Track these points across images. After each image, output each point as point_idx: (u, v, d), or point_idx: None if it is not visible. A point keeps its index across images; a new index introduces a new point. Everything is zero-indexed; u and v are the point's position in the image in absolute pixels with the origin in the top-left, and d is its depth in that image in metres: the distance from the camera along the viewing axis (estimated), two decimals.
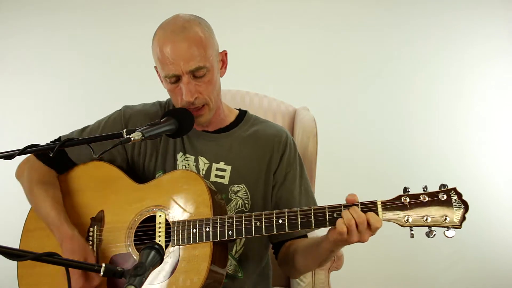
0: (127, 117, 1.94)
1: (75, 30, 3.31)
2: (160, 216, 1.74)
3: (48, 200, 1.84)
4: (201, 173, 1.87)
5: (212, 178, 1.87)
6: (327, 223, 1.59)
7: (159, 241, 1.72)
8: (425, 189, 1.56)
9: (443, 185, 1.55)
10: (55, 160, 1.88)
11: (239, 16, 3.32)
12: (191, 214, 1.71)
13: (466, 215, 1.52)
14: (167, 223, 1.74)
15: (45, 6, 3.33)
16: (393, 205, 1.55)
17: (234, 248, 1.87)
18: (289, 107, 2.51)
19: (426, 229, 1.53)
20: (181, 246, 1.70)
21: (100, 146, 1.62)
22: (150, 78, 1.94)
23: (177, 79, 1.77)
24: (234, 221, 1.66)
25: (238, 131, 1.93)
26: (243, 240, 1.87)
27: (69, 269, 1.46)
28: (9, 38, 3.33)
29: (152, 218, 1.76)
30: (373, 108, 3.26)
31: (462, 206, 1.52)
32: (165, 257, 1.63)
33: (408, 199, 1.55)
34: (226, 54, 1.88)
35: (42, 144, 1.60)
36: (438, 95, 3.25)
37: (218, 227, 1.67)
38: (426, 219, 1.52)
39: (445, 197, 1.53)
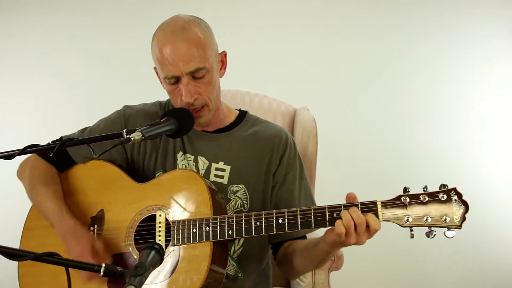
0: (126, 117, 1.94)
1: (75, 30, 3.32)
2: (160, 215, 1.74)
3: (49, 196, 1.84)
4: (200, 172, 1.87)
5: (211, 178, 1.87)
6: (327, 223, 1.59)
7: (159, 240, 1.72)
8: (425, 189, 1.56)
9: (443, 185, 1.55)
10: (56, 158, 1.88)
11: (239, 16, 3.32)
12: (191, 214, 1.71)
13: (466, 215, 1.52)
14: (167, 222, 1.74)
15: (45, 6, 3.33)
16: (393, 205, 1.55)
17: (232, 248, 1.87)
18: (289, 107, 2.51)
19: (426, 229, 1.53)
20: (181, 246, 1.70)
21: (100, 146, 1.62)
22: (150, 78, 1.94)
23: (176, 80, 1.77)
24: (234, 221, 1.66)
25: (238, 131, 1.93)
26: (242, 240, 1.87)
27: (81, 248, 1.50)
28: (9, 38, 3.33)
29: (152, 218, 1.76)
30: (373, 108, 3.26)
31: (462, 206, 1.52)
32: (165, 256, 1.63)
33: (408, 199, 1.54)
34: (225, 54, 1.88)
35: (42, 144, 1.60)
36: (438, 95, 3.25)
37: (218, 227, 1.67)
38: (426, 219, 1.52)
39: (445, 197, 1.53)
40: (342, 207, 1.58)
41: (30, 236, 1.88)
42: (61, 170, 1.93)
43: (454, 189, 1.54)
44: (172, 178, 1.80)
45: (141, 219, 1.77)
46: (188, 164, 1.88)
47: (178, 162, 1.89)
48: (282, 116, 2.47)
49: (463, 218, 1.52)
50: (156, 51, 1.78)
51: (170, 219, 1.73)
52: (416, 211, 1.53)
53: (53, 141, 1.86)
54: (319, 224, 1.60)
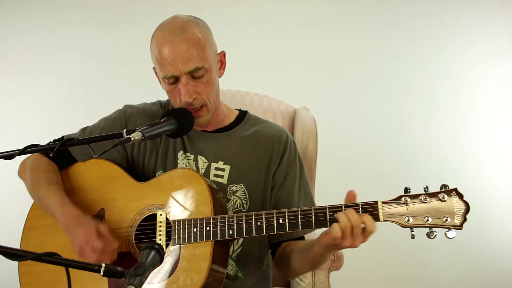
0: (127, 116, 1.94)
1: (75, 30, 3.32)
2: (160, 214, 1.74)
3: (51, 189, 1.84)
4: (200, 172, 1.87)
5: (211, 178, 1.87)
6: (328, 223, 1.59)
7: (160, 240, 1.72)
8: (426, 189, 1.55)
9: (444, 186, 1.54)
10: (56, 156, 1.88)
11: (239, 16, 3.32)
12: (192, 213, 1.71)
13: (467, 216, 1.52)
14: (167, 221, 1.74)
15: (45, 6, 3.33)
16: (393, 205, 1.55)
17: (231, 248, 1.87)
18: (289, 107, 2.51)
19: (427, 229, 1.53)
20: (181, 245, 1.70)
21: (101, 146, 1.62)
22: (150, 78, 1.94)
23: (175, 80, 1.77)
24: (235, 221, 1.66)
25: (238, 131, 1.93)
26: (241, 240, 1.87)
27: (85, 231, 1.55)
28: (9, 38, 3.33)
29: (153, 217, 1.76)
30: (373, 108, 3.26)
31: (463, 206, 1.52)
32: (165, 256, 1.63)
33: (409, 200, 1.54)
34: (224, 54, 1.88)
35: (42, 144, 1.60)
36: (438, 95, 3.25)
37: (218, 227, 1.67)
38: (427, 220, 1.52)
39: (446, 197, 1.52)
40: (343, 207, 1.58)
41: (30, 235, 1.88)
42: (62, 167, 1.93)
43: (455, 189, 1.54)
44: (172, 177, 1.80)
45: (141, 218, 1.77)
46: (188, 163, 1.88)
47: (178, 161, 1.89)
48: (282, 116, 2.47)
49: (464, 219, 1.51)
50: (155, 51, 1.78)
51: (171, 218, 1.73)
52: (417, 211, 1.53)
53: (54, 140, 1.87)
54: (320, 224, 1.60)
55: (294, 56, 3.27)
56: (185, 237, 1.69)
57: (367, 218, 1.53)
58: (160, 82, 1.85)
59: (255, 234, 1.65)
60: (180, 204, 1.74)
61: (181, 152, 1.89)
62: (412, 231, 1.54)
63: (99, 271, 1.25)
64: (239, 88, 2.55)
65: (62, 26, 3.33)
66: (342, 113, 3.24)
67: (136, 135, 1.57)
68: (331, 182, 2.77)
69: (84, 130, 1.96)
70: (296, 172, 1.91)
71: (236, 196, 1.86)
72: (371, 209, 1.55)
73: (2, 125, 3.31)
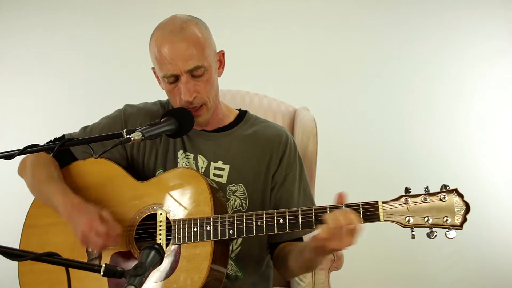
0: (127, 115, 1.94)
1: (75, 30, 3.32)
2: (161, 214, 1.75)
3: (52, 181, 1.84)
4: (200, 171, 1.87)
5: (211, 177, 1.87)
6: None
7: (160, 239, 1.72)
8: (426, 189, 1.56)
9: (445, 186, 1.54)
10: (57, 155, 1.88)
11: (239, 16, 3.32)
12: (192, 212, 1.71)
13: (467, 216, 1.52)
14: (168, 221, 1.74)
15: (45, 6, 3.33)
16: (394, 205, 1.55)
17: (230, 248, 1.86)
18: (289, 107, 2.51)
19: (427, 229, 1.53)
20: (181, 245, 1.70)
21: (101, 145, 1.62)
22: (150, 78, 1.94)
23: (175, 79, 1.77)
24: (235, 220, 1.66)
25: (238, 131, 1.93)
26: (239, 240, 1.87)
27: (88, 218, 1.58)
28: (9, 38, 3.33)
29: (153, 216, 1.76)
30: (373, 108, 3.25)
31: (464, 207, 1.52)
32: (165, 255, 1.63)
33: (409, 200, 1.54)
34: (223, 54, 1.89)
35: (42, 144, 1.60)
36: (438, 95, 3.25)
37: (219, 226, 1.67)
38: (427, 220, 1.52)
39: (446, 198, 1.53)
40: (343, 207, 1.58)
41: (30, 233, 1.88)
42: (62, 165, 1.93)
43: (456, 190, 1.54)
44: (172, 176, 1.80)
45: (141, 218, 1.77)
46: (188, 162, 1.88)
47: (178, 160, 1.89)
48: (282, 116, 2.47)
49: (464, 219, 1.52)
50: (155, 50, 1.78)
51: (171, 217, 1.73)
52: (417, 211, 1.53)
53: (55, 139, 1.87)
54: (320, 224, 1.60)
55: (294, 56, 3.27)
56: (185, 237, 1.69)
57: (354, 215, 1.52)
58: (159, 83, 1.86)
59: (255, 233, 1.65)
60: (180, 203, 1.74)
61: (181, 151, 1.89)
62: (413, 231, 1.54)
63: (99, 271, 1.25)
64: (239, 88, 2.55)
65: (62, 26, 3.33)
66: (342, 113, 3.24)
67: (136, 135, 1.57)
68: (331, 182, 2.76)
69: (85, 128, 1.97)
70: (296, 172, 1.91)
71: (235, 196, 1.86)
72: (371, 209, 1.56)
73: (2, 125, 3.30)
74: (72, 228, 1.75)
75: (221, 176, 1.87)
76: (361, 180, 3.13)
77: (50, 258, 1.25)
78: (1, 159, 1.52)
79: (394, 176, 3.12)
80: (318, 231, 1.55)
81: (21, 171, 1.97)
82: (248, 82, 2.67)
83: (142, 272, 1.23)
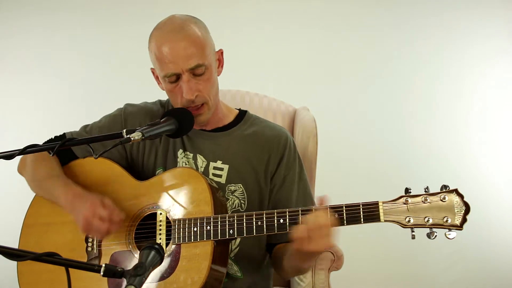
0: (127, 114, 1.94)
1: (75, 30, 3.32)
2: (160, 214, 1.74)
3: (54, 174, 1.84)
4: (199, 171, 1.87)
5: (210, 177, 1.87)
6: None
7: (160, 239, 1.72)
8: (426, 190, 1.56)
9: (445, 186, 1.54)
10: (58, 153, 1.88)
11: (239, 16, 3.32)
12: (192, 212, 1.72)
13: (467, 217, 1.52)
14: (168, 221, 1.74)
15: (45, 6, 3.33)
16: (394, 205, 1.55)
17: (229, 248, 1.86)
18: (289, 107, 2.51)
19: (427, 230, 1.53)
20: (181, 244, 1.70)
21: (101, 145, 1.62)
22: (150, 78, 1.94)
23: (176, 78, 1.77)
24: (235, 220, 1.66)
25: (237, 131, 1.93)
26: (238, 240, 1.87)
27: (90, 204, 1.59)
28: (9, 38, 3.33)
29: (153, 216, 1.76)
30: (373, 108, 3.25)
31: (464, 207, 1.52)
32: (165, 255, 1.63)
33: (409, 200, 1.54)
34: (222, 53, 1.89)
35: (42, 144, 1.60)
36: (438, 95, 3.25)
37: (219, 226, 1.67)
38: (427, 220, 1.52)
39: (446, 198, 1.53)
40: (343, 207, 1.58)
41: (29, 233, 1.88)
42: (62, 163, 1.93)
43: (456, 190, 1.54)
44: (172, 176, 1.80)
45: (141, 217, 1.77)
46: (188, 162, 1.88)
47: (178, 160, 1.89)
48: (282, 116, 2.47)
49: (464, 220, 1.52)
50: (155, 50, 1.78)
51: (171, 217, 1.73)
52: (418, 211, 1.53)
53: (55, 137, 1.87)
54: None
55: (294, 56, 3.27)
56: (185, 237, 1.69)
57: (325, 217, 1.54)
58: (159, 83, 1.85)
59: (255, 233, 1.65)
60: (180, 203, 1.74)
61: (181, 150, 1.89)
62: (413, 231, 1.54)
63: (99, 271, 1.25)
64: (239, 88, 2.55)
65: (62, 26, 3.33)
66: (342, 113, 3.24)
67: (136, 135, 1.57)
68: (331, 182, 2.76)
69: (85, 127, 1.97)
70: (295, 173, 1.91)
71: (234, 196, 1.86)
72: (372, 209, 1.56)
73: (2, 125, 3.30)
74: (74, 216, 1.75)
75: (220, 176, 1.87)
76: (361, 180, 3.13)
77: (50, 258, 1.24)
78: (1, 159, 1.52)
79: (394, 176, 3.12)
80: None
81: (21, 168, 1.97)
82: (248, 82, 2.67)
83: (142, 272, 1.23)
